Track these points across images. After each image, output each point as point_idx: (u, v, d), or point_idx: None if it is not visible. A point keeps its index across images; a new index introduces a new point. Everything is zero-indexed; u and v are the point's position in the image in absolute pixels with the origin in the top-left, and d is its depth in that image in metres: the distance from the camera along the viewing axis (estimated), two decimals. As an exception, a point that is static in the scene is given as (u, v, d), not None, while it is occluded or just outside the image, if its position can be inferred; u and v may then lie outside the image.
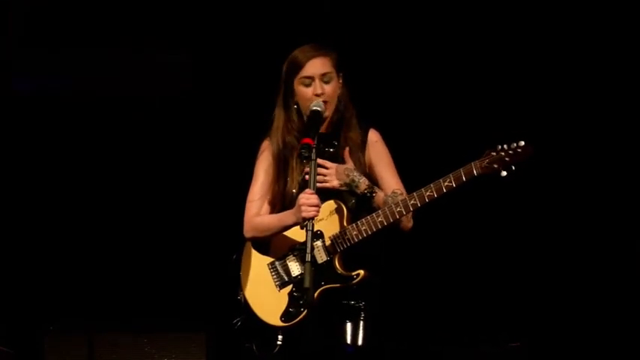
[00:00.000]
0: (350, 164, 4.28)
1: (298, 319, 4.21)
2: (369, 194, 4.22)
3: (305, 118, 4.30)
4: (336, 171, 4.24)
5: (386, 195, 4.23)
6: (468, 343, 5.77)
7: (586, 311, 5.83)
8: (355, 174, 4.23)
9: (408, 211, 4.13)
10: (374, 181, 4.29)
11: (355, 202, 4.26)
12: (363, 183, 4.22)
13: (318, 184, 4.17)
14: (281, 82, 4.36)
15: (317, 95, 4.26)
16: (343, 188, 4.24)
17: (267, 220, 4.34)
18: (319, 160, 4.21)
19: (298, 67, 4.30)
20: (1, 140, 6.32)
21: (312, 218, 4.03)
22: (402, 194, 4.23)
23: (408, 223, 4.26)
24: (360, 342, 4.23)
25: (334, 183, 4.24)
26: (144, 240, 6.28)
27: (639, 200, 5.82)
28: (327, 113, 4.29)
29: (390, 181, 4.31)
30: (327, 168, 4.26)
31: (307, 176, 4.16)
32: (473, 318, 5.94)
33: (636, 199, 5.82)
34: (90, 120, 6.39)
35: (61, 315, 6.01)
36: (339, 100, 4.34)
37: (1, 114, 6.34)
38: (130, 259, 6.27)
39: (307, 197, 4.07)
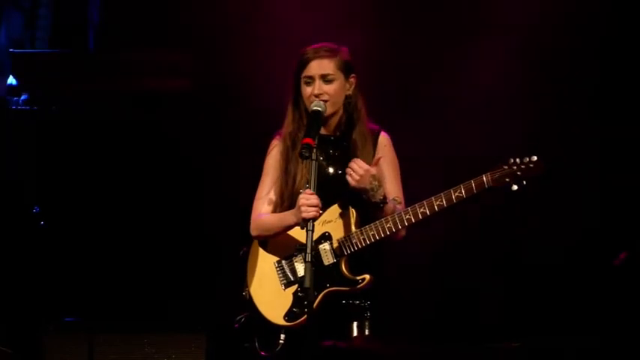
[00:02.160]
0: (379, 171, 4.20)
1: (301, 319, 4.21)
2: (381, 205, 4.18)
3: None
4: (365, 174, 4.14)
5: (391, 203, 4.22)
6: (468, 343, 5.78)
7: (586, 312, 5.84)
8: (377, 183, 4.15)
9: (417, 219, 4.14)
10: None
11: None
12: (379, 194, 4.17)
13: (347, 177, 4.15)
14: (291, 80, 4.37)
15: (315, 95, 4.27)
16: (362, 191, 4.17)
17: (270, 219, 4.34)
18: (357, 160, 4.17)
19: (303, 65, 4.32)
20: (1, 139, 6.31)
21: (312, 219, 4.02)
22: (400, 203, 4.24)
23: (402, 231, 4.25)
24: (364, 341, 4.24)
25: (357, 185, 4.16)
26: (144, 240, 6.27)
27: (638, 201, 5.84)
28: (328, 112, 4.27)
29: (391, 187, 4.31)
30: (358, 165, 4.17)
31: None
32: (474, 318, 5.96)
33: (635, 200, 5.84)
34: (90, 119, 6.38)
35: (61, 315, 6.00)
36: (348, 102, 4.34)
37: (1, 113, 6.34)
38: (131, 260, 6.26)
39: (307, 198, 4.07)
